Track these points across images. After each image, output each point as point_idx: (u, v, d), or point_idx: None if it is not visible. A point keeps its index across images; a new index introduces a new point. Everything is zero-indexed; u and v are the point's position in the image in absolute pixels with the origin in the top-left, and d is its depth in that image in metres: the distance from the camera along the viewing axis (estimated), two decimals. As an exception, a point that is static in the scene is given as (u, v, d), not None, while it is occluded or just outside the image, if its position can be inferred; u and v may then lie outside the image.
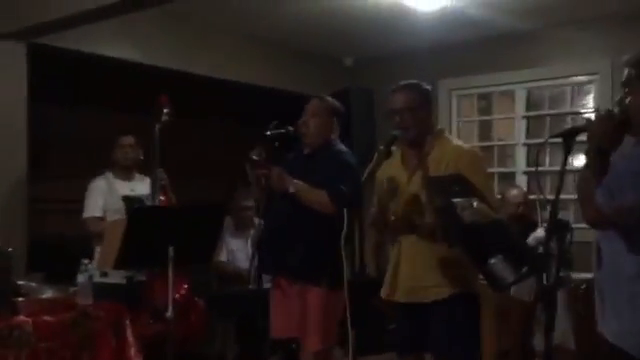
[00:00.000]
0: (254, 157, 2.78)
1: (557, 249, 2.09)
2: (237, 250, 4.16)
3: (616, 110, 1.82)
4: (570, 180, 4.50)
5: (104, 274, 3.16)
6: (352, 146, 4.49)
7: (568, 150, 1.89)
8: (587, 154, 1.82)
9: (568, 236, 3.11)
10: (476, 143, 5.20)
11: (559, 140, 1.92)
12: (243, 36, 4.59)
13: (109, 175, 3.54)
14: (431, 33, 4.55)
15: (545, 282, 2.16)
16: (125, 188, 3.49)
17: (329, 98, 3.03)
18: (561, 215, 4.50)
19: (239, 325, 3.94)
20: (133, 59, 3.89)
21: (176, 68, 4.17)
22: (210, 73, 4.39)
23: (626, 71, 1.83)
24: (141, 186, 3.50)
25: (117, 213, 3.33)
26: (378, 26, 4.42)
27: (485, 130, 5.26)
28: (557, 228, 1.95)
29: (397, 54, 5.01)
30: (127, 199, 3.41)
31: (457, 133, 5.14)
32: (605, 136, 1.77)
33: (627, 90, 1.81)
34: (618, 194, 1.69)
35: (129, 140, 3.53)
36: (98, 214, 3.41)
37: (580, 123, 1.98)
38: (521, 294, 2.79)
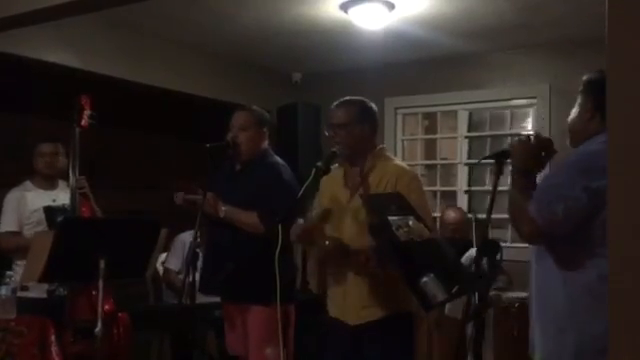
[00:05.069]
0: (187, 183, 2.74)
1: (488, 269, 2.12)
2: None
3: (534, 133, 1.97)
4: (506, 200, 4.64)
5: (24, 288, 2.94)
6: (298, 160, 4.55)
7: (499, 171, 1.99)
8: (512, 175, 1.91)
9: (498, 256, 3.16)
10: (421, 161, 5.30)
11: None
12: (192, 48, 4.54)
13: (28, 185, 3.30)
14: (378, 51, 4.62)
15: (476, 301, 2.19)
16: (46, 198, 3.26)
17: (255, 107, 2.95)
18: (498, 234, 4.63)
19: (174, 339, 3.86)
20: (72, 65, 3.77)
21: (122, 77, 4.07)
22: (156, 83, 4.31)
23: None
24: (65, 195, 3.24)
25: (38, 225, 3.15)
26: (326, 43, 4.45)
27: (430, 149, 5.34)
28: (487, 248, 1.99)
29: (345, 71, 5.06)
30: (49, 209, 3.21)
31: (402, 151, 5.22)
32: (524, 159, 1.88)
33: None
34: (546, 208, 1.73)
35: (50, 148, 3.28)
36: (12, 229, 3.19)
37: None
38: (455, 313, 2.82)
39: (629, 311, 1.04)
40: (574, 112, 1.92)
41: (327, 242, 2.44)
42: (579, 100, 1.91)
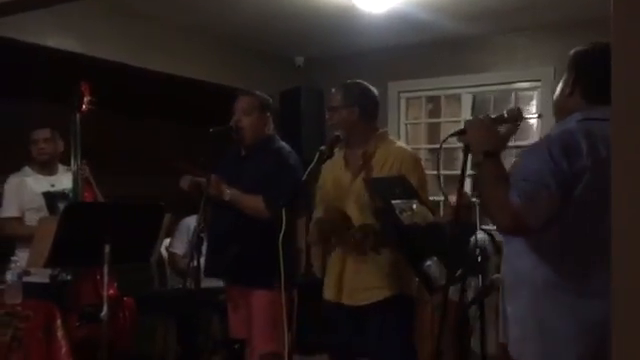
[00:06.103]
0: (190, 165, 2.74)
1: (459, 250, 2.11)
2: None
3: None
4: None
5: (27, 272, 2.90)
6: (301, 144, 4.55)
7: (468, 150, 1.81)
8: (478, 159, 1.72)
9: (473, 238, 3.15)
10: (424, 145, 5.28)
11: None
12: (194, 32, 4.51)
13: (27, 170, 3.31)
14: (381, 35, 4.59)
15: (480, 284, 2.20)
16: (45, 183, 3.26)
17: (257, 92, 2.96)
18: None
19: (180, 324, 3.89)
20: (74, 50, 3.75)
21: (124, 62, 4.05)
22: (159, 68, 4.30)
23: None
24: (65, 180, 3.25)
25: (39, 211, 3.15)
26: (329, 27, 4.42)
27: (433, 132, 5.32)
28: (461, 230, 1.97)
29: (348, 55, 5.03)
30: (48, 195, 3.21)
31: (406, 135, 5.20)
32: (478, 137, 1.73)
33: None
34: (530, 198, 1.55)
35: (43, 134, 3.28)
36: (13, 214, 3.21)
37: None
38: (458, 296, 2.83)
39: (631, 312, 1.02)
40: (558, 88, 1.77)
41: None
42: (564, 75, 1.76)
